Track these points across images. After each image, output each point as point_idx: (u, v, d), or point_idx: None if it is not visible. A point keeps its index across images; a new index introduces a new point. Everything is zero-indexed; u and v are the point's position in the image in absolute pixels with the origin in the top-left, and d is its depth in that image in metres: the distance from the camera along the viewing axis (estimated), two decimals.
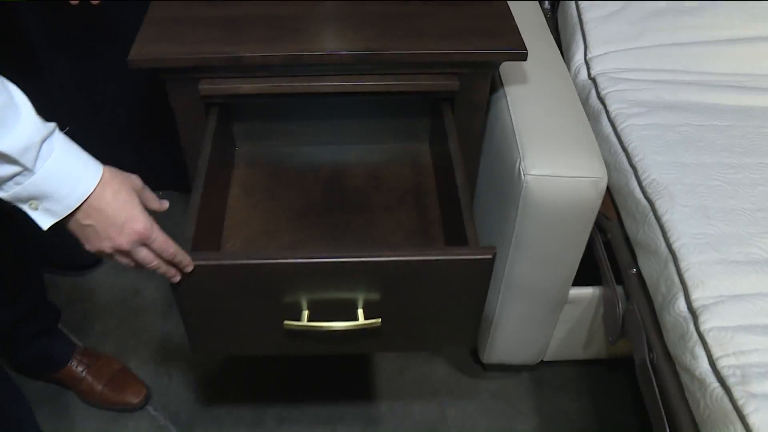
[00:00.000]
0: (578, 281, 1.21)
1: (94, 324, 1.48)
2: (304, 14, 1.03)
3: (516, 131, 1.05)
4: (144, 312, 1.51)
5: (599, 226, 1.22)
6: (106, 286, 1.55)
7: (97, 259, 1.58)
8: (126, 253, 0.74)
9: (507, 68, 1.14)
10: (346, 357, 1.42)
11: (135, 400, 1.34)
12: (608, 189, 1.20)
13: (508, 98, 1.10)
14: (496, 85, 1.14)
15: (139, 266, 0.75)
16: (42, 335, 1.30)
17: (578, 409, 1.35)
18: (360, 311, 0.89)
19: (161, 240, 0.75)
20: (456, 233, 0.93)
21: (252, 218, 1.09)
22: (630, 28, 1.38)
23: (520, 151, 1.03)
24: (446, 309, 0.91)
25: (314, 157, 1.17)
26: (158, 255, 0.75)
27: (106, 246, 0.72)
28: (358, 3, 1.06)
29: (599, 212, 1.18)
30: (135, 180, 0.75)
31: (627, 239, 1.16)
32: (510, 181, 1.05)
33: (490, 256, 0.84)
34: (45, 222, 0.68)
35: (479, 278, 0.87)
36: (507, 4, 1.06)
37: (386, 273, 0.85)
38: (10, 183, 0.65)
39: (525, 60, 0.99)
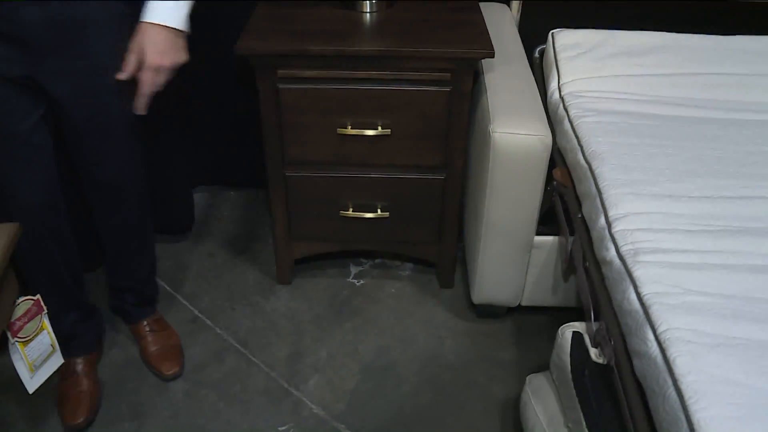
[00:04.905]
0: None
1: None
2: (349, 28, 1.56)
3: (489, 106, 1.53)
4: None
5: (560, 194, 1.65)
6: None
7: (187, 225, 2.07)
8: (166, 70, 1.24)
9: (487, 68, 1.64)
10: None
11: (167, 372, 1.66)
12: (567, 165, 1.65)
13: (486, 86, 1.59)
14: (479, 79, 1.63)
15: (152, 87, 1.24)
16: (128, 292, 1.68)
17: (549, 345, 1.72)
18: (379, 127, 1.53)
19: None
20: None
21: None
22: (592, 65, 1.86)
23: (491, 118, 1.50)
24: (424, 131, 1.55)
25: None
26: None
27: (170, 62, 1.24)
28: (384, 16, 1.59)
29: (559, 182, 1.63)
30: None
31: (577, 198, 1.59)
32: (485, 140, 1.51)
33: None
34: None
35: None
36: (486, 25, 1.57)
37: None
38: None
39: (493, 57, 1.48)
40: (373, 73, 1.52)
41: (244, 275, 1.96)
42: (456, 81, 1.52)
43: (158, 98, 1.74)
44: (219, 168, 2.22)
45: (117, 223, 1.53)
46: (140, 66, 1.26)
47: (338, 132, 1.58)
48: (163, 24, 1.23)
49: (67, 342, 1.54)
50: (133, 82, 1.28)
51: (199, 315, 1.83)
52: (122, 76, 1.27)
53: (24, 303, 1.04)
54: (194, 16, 1.87)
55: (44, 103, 1.31)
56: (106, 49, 1.27)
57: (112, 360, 1.70)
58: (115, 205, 1.49)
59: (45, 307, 1.10)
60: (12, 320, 1.03)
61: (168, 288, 1.90)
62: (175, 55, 1.27)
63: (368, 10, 1.66)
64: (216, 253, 2.04)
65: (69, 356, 1.57)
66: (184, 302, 1.87)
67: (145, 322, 1.72)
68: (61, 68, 1.24)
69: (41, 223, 1.39)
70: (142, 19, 1.24)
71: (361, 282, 1.93)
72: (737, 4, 2.01)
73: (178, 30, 1.26)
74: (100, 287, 1.83)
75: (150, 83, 1.27)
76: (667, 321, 1.08)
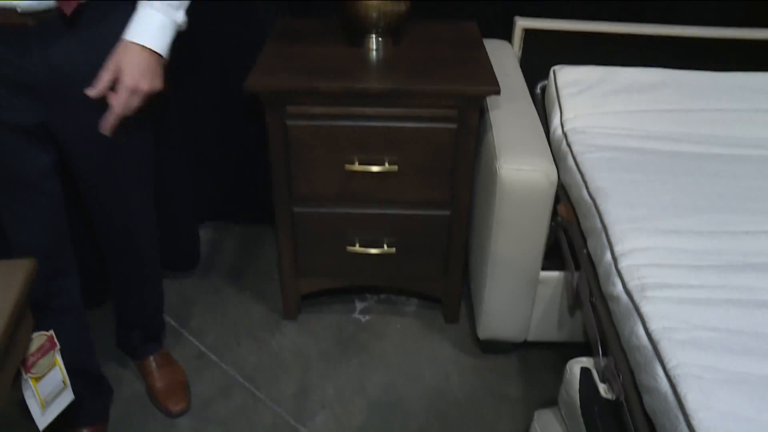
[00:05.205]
0: None
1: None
2: (356, 65, 1.59)
3: (495, 142, 1.55)
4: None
5: (564, 229, 1.67)
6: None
7: (193, 262, 2.08)
8: (141, 95, 1.20)
9: (492, 105, 1.67)
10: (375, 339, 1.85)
11: (174, 408, 1.66)
12: (571, 201, 1.66)
13: (492, 122, 1.62)
14: (484, 116, 1.66)
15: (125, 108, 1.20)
16: (135, 328, 1.68)
17: (556, 380, 1.72)
18: (386, 163, 1.56)
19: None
20: None
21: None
22: (593, 101, 1.89)
23: (497, 155, 1.52)
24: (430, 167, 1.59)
25: None
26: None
27: (148, 86, 1.20)
28: (391, 54, 1.63)
29: (564, 218, 1.65)
30: None
31: (582, 234, 1.60)
32: (491, 176, 1.53)
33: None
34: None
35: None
36: (490, 62, 1.60)
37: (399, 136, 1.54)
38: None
39: (499, 94, 1.50)
40: (381, 110, 1.54)
41: (250, 311, 1.96)
42: (462, 118, 1.55)
43: (166, 134, 1.77)
44: (225, 203, 2.24)
45: (126, 260, 1.54)
46: (114, 85, 1.20)
47: (346, 168, 1.60)
48: (147, 45, 1.19)
49: (70, 410, 1.38)
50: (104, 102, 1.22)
51: (206, 351, 1.83)
52: (92, 93, 1.19)
53: (38, 338, 1.05)
54: (203, 53, 1.93)
55: (55, 150, 1.31)
56: None
57: (119, 396, 1.70)
58: (125, 243, 1.50)
59: (58, 343, 1.10)
60: (25, 355, 1.03)
61: (174, 324, 1.91)
62: (153, 80, 1.22)
63: (375, 48, 1.69)
64: (222, 288, 2.05)
65: (73, 427, 1.55)
66: (191, 338, 1.87)
67: (152, 358, 1.72)
68: (73, 115, 1.24)
69: (44, 268, 1.36)
70: (124, 37, 1.19)
71: (367, 318, 1.93)
72: (733, 41, 2.05)
73: (159, 55, 1.22)
74: (107, 323, 1.83)
75: (123, 104, 1.20)
76: (677, 356, 1.09)
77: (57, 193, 1.34)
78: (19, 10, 1.10)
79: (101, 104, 1.23)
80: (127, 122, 1.25)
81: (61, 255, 1.40)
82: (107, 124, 1.21)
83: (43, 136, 1.27)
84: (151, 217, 1.52)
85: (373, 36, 1.68)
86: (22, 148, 1.25)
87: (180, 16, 1.25)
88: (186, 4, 1.26)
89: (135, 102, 1.21)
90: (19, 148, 1.25)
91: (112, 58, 1.19)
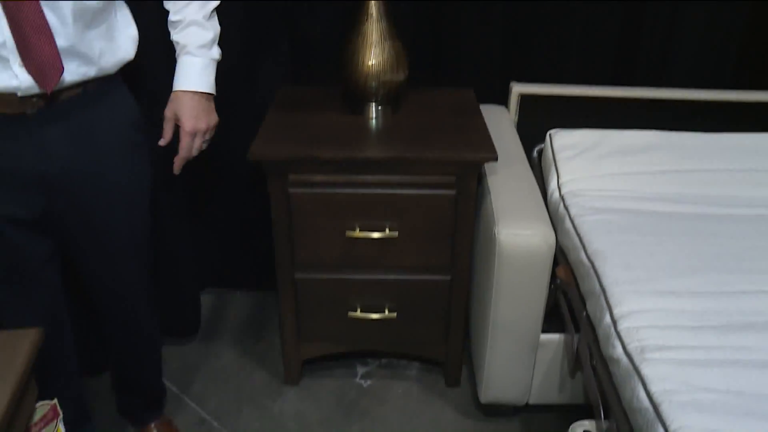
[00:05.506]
0: None
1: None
2: (357, 133, 1.63)
3: (494, 207, 1.58)
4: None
5: (563, 292, 1.68)
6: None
7: (195, 328, 2.08)
8: (202, 134, 1.33)
9: (490, 170, 1.70)
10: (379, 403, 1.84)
11: None
12: (569, 263, 1.68)
13: (490, 188, 1.65)
14: (482, 181, 1.69)
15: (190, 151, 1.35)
16: (135, 394, 1.68)
17: None
18: (387, 230, 1.60)
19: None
20: None
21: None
22: (589, 164, 1.93)
23: (496, 220, 1.55)
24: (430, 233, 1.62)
25: None
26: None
27: (205, 125, 1.33)
28: (390, 122, 1.68)
29: (563, 281, 1.66)
30: None
31: (581, 296, 1.62)
32: (490, 241, 1.56)
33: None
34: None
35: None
36: (488, 130, 1.65)
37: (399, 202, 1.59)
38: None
39: (496, 161, 1.54)
40: (381, 178, 1.58)
41: (251, 376, 1.95)
42: (461, 184, 1.58)
43: (168, 200, 1.81)
44: (226, 269, 2.26)
45: (124, 330, 1.55)
46: (176, 131, 1.35)
47: (347, 234, 1.62)
48: (194, 90, 1.32)
49: None
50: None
51: (207, 417, 1.82)
52: (162, 143, 1.36)
53: (41, 408, 1.05)
54: None
55: (55, 238, 1.32)
56: (119, 179, 1.31)
57: None
58: (123, 314, 1.51)
59: (61, 412, 1.10)
60: (28, 425, 1.03)
61: (175, 390, 1.90)
62: (208, 117, 1.36)
63: (374, 116, 1.74)
64: (223, 354, 2.05)
65: None
66: (192, 404, 1.86)
67: (153, 425, 1.71)
68: (72, 204, 1.26)
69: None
70: (174, 89, 1.32)
71: (369, 382, 1.93)
72: (723, 103, 2.10)
73: (207, 94, 1.34)
74: (107, 389, 1.82)
75: (188, 148, 1.35)
76: (679, 419, 1.09)
77: (56, 279, 1.36)
78: (19, 93, 1.11)
79: (100, 192, 1.27)
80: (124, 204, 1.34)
81: (60, 339, 1.41)
82: (177, 166, 1.37)
83: (43, 227, 1.28)
84: (150, 288, 1.53)
85: (373, 104, 1.73)
86: (22, 242, 1.26)
87: (215, 53, 1.35)
88: (216, 38, 1.34)
89: (199, 142, 1.36)
90: (18, 242, 1.26)
91: (168, 108, 1.33)
